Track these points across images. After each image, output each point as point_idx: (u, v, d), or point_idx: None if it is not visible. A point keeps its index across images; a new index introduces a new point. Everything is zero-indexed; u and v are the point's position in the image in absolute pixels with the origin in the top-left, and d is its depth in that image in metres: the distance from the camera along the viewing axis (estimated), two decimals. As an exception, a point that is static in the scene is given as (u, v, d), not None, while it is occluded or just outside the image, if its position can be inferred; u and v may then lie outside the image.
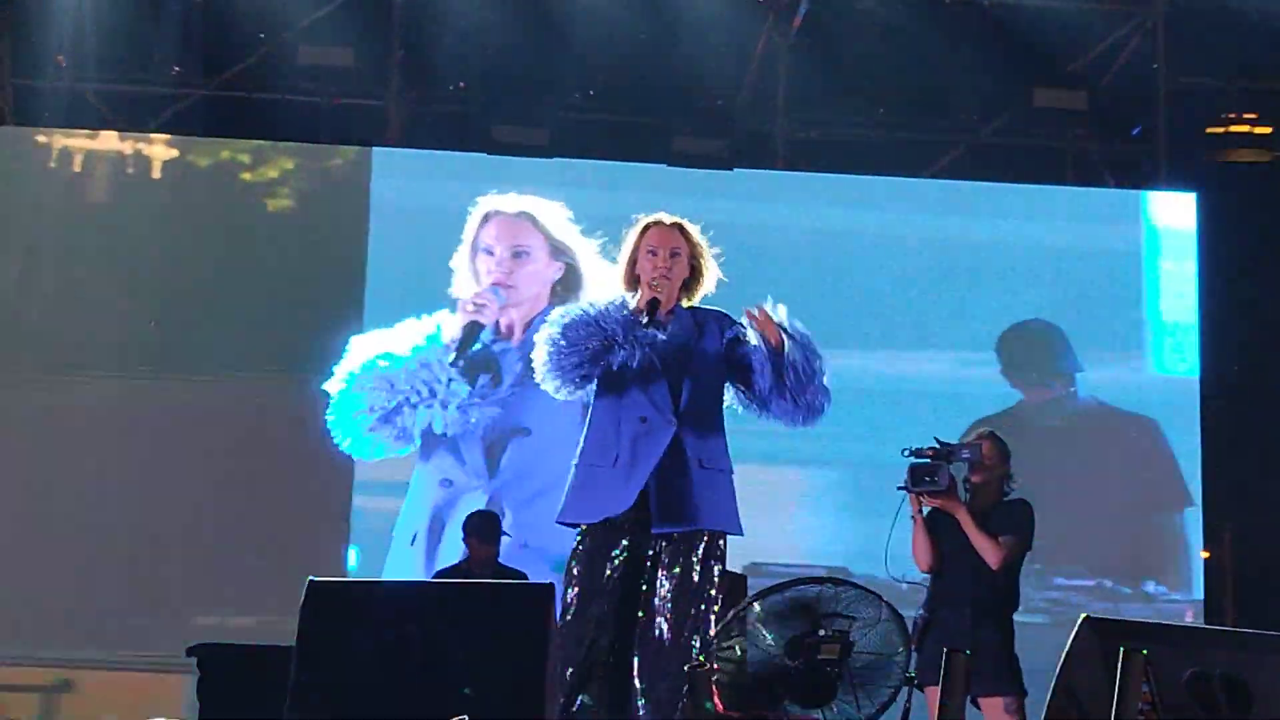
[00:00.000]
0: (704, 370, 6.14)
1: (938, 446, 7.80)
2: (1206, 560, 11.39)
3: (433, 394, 10.15)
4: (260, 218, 11.18)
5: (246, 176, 11.24)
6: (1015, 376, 11.47)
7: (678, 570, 5.99)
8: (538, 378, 6.14)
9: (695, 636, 5.85)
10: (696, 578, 5.99)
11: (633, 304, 6.13)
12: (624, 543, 5.99)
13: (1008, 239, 11.58)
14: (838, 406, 6.10)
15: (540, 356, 6.08)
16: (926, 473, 7.72)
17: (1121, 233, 11.65)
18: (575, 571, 5.97)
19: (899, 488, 7.78)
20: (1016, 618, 7.71)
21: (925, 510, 7.84)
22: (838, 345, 11.03)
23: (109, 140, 11.26)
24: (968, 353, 11.34)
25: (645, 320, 6.06)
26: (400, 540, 10.38)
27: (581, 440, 6.13)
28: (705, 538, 6.04)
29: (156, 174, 11.20)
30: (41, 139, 11.24)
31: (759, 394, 6.15)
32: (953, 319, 11.40)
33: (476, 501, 10.18)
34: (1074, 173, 12.13)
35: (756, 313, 6.13)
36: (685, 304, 6.25)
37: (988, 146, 12.07)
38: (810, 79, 11.69)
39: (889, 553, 7.75)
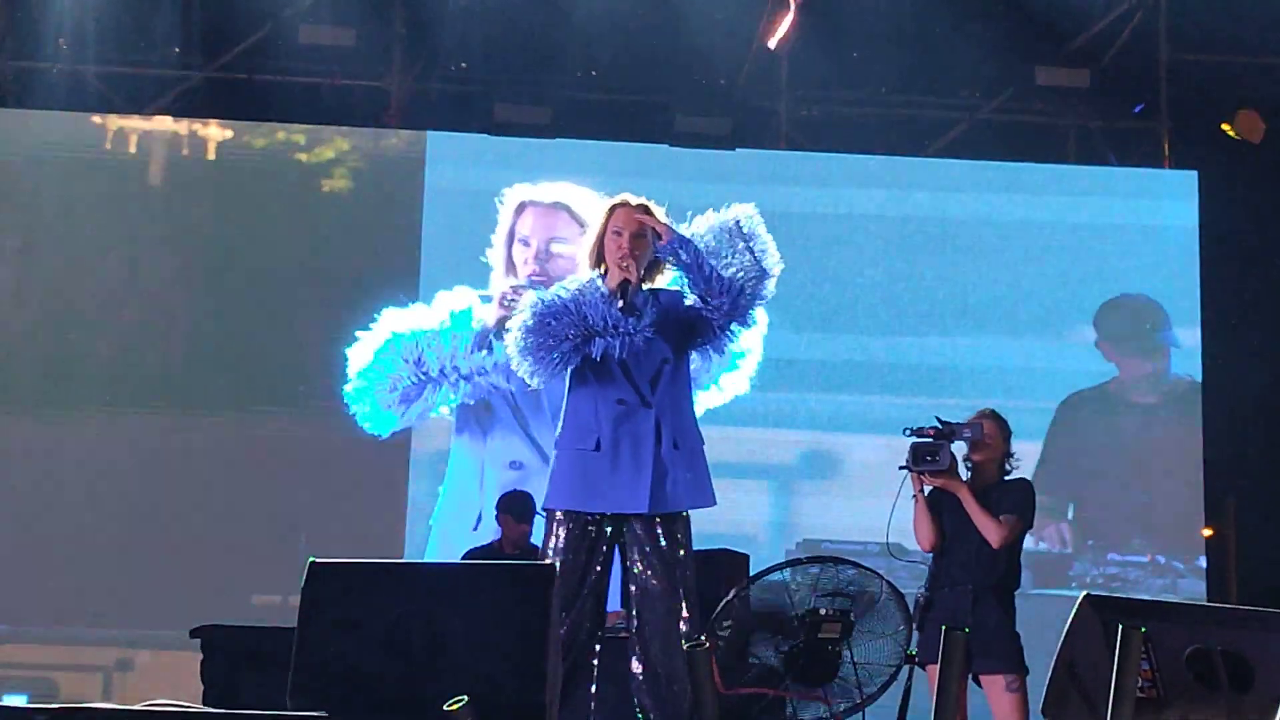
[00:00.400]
0: (673, 351, 6.16)
1: (939, 425, 7.82)
2: (1210, 537, 11.40)
3: (456, 370, 10.09)
4: (316, 199, 11.18)
5: (302, 158, 11.26)
6: (1111, 349, 11.46)
7: (658, 550, 6.02)
8: (514, 365, 6.15)
9: (684, 617, 5.90)
10: (679, 556, 6.04)
11: (604, 286, 6.14)
12: (607, 530, 6.03)
13: (1023, 216, 11.58)
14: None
15: (515, 343, 6.09)
16: (928, 452, 7.73)
17: (1132, 208, 11.67)
18: (559, 561, 6.00)
19: (900, 467, 7.80)
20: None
21: (927, 490, 7.86)
22: (846, 326, 11.23)
23: (164, 123, 11.30)
24: (988, 332, 11.34)
25: (620, 304, 6.06)
26: (460, 524, 10.29)
27: (560, 426, 6.17)
28: (683, 517, 6.09)
29: (212, 155, 11.23)
30: (96, 121, 11.26)
31: (701, 305, 6.12)
32: (963, 297, 11.39)
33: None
34: (1076, 150, 12.13)
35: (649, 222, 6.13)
36: (646, 286, 6.26)
37: (990, 124, 12.06)
38: (812, 58, 11.68)
39: (890, 531, 7.77)
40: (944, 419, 7.86)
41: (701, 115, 11.50)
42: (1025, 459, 7.99)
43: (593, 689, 5.94)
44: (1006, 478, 7.93)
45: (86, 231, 11.07)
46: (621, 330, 6.06)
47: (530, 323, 6.06)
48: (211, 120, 11.29)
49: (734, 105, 11.66)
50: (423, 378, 10.21)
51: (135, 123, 11.24)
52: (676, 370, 6.18)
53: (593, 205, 9.49)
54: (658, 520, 6.05)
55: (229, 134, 11.26)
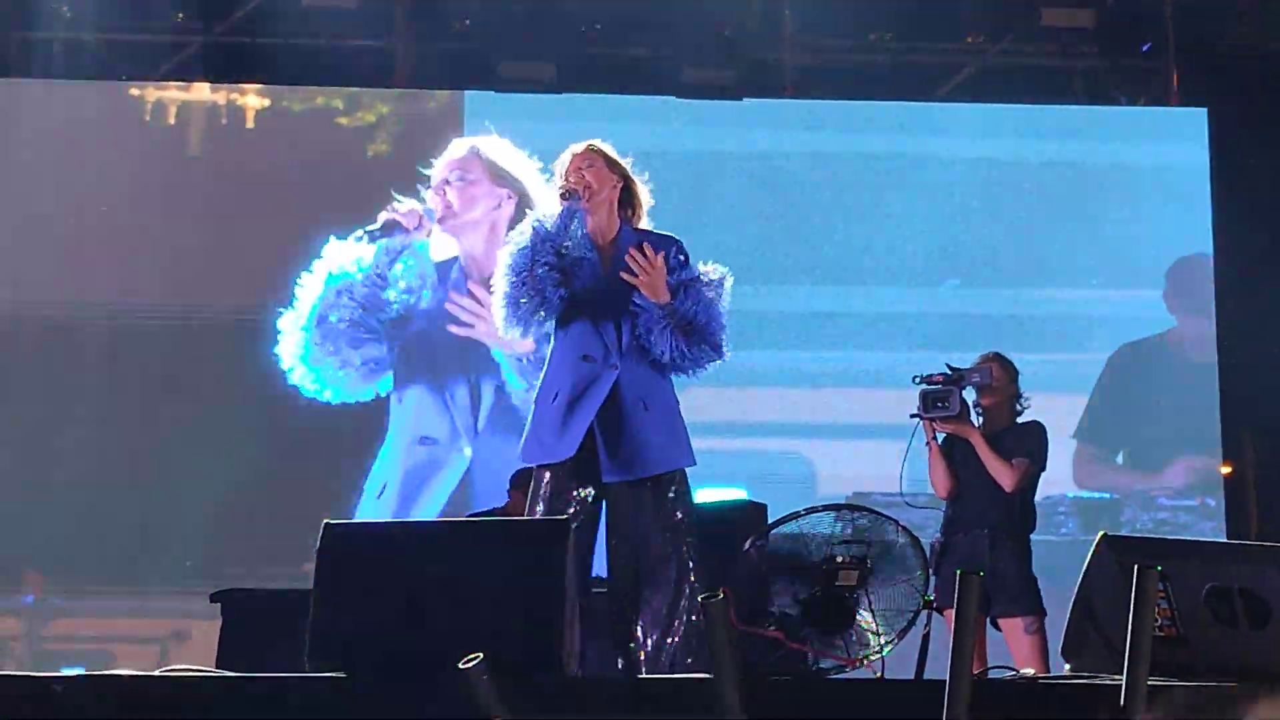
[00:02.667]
0: (647, 301, 6.14)
1: (948, 372, 7.83)
2: (1228, 475, 11.39)
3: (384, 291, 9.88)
4: (358, 164, 11.13)
5: (343, 121, 11.24)
6: (1174, 302, 11.44)
7: (644, 516, 6.02)
8: (503, 332, 6.17)
9: (684, 577, 5.91)
10: (675, 518, 6.04)
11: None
12: (584, 491, 6.04)
13: (1031, 158, 11.55)
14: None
15: (501, 308, 6.12)
16: (938, 398, 7.76)
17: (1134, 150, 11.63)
18: (537, 514, 6.03)
19: (911, 415, 7.81)
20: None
21: (939, 436, 7.87)
22: (857, 276, 11.20)
23: (201, 92, 11.29)
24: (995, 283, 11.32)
25: (570, 201, 6.07)
26: (369, 493, 10.27)
27: (540, 378, 6.22)
28: (675, 478, 6.08)
29: (250, 123, 11.21)
30: (135, 92, 11.24)
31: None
32: (973, 244, 11.35)
33: (459, 464, 10.05)
34: (1084, 91, 12.06)
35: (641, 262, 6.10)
36: (633, 224, 6.28)
37: (997, 67, 12.00)
38: (816, 5, 11.64)
39: (903, 478, 7.79)
40: (953, 365, 7.86)
41: (706, 66, 11.45)
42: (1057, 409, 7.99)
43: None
44: (1018, 420, 7.94)
45: (125, 202, 11.01)
46: (586, 253, 6.09)
47: (510, 282, 6.08)
48: (249, 87, 11.25)
49: (738, 55, 11.60)
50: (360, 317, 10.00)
51: (173, 93, 11.22)
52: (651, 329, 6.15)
53: (506, 153, 9.50)
54: (639, 484, 6.06)
55: (266, 101, 11.24)
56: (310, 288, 9.78)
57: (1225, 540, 10.12)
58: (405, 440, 9.44)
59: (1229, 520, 11.24)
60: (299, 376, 9.71)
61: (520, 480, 9.03)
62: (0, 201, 11.02)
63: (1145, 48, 12.08)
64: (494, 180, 9.69)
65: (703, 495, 10.50)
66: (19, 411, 10.80)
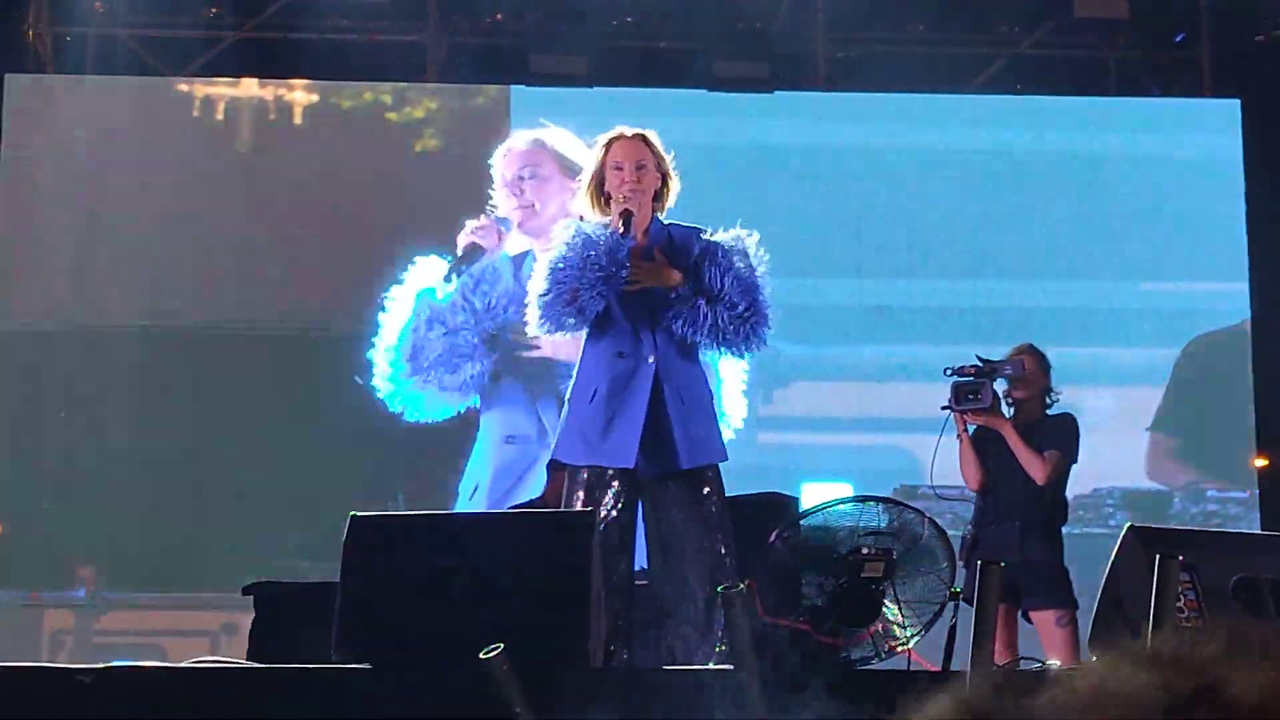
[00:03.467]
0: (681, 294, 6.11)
1: (979, 364, 7.81)
2: (1264, 467, 11.34)
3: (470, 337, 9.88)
4: (408, 159, 11.15)
5: (392, 117, 11.27)
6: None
7: (681, 510, 6.00)
8: (531, 329, 6.14)
9: (717, 570, 5.89)
10: (711, 511, 6.01)
11: (607, 225, 6.12)
12: (622, 484, 6.01)
13: (1064, 149, 11.50)
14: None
15: (536, 310, 6.07)
16: (969, 391, 7.74)
17: (1173, 140, 11.60)
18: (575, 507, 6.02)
19: (942, 407, 7.80)
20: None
21: (971, 429, 7.86)
22: (893, 269, 11.18)
23: (249, 88, 11.32)
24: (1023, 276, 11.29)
25: (622, 231, 6.03)
26: (462, 494, 10.27)
27: (574, 375, 6.18)
28: (705, 473, 6.06)
29: (299, 120, 11.25)
30: (183, 88, 11.30)
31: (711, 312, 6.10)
32: (1012, 235, 11.33)
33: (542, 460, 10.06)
34: (1117, 82, 12.03)
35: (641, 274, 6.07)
36: (661, 218, 6.23)
37: (1029, 59, 11.97)
38: (848, -4, 11.65)
39: (934, 471, 7.78)
40: (984, 357, 7.84)
41: (739, 59, 11.45)
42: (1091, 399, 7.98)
43: (624, 654, 5.93)
44: (1050, 412, 7.92)
45: (173, 199, 11.04)
46: (626, 263, 6.05)
47: (544, 286, 6.03)
48: (296, 83, 11.28)
49: (771, 48, 11.59)
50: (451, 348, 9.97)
51: (221, 89, 11.26)
52: (683, 314, 6.13)
53: (571, 144, 9.41)
54: (679, 476, 6.04)
55: (314, 97, 11.28)
56: (397, 314, 9.76)
57: (1257, 531, 10.08)
58: (493, 440, 9.39)
59: (1263, 513, 11.20)
60: (398, 405, 9.71)
61: (558, 467, 9.02)
62: (51, 198, 11.07)
63: (1179, 39, 12.04)
64: (564, 173, 9.62)
65: (810, 490, 10.58)
66: (72, 412, 10.85)
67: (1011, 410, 7.92)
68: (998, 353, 8.04)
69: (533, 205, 8.96)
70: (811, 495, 10.33)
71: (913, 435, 10.67)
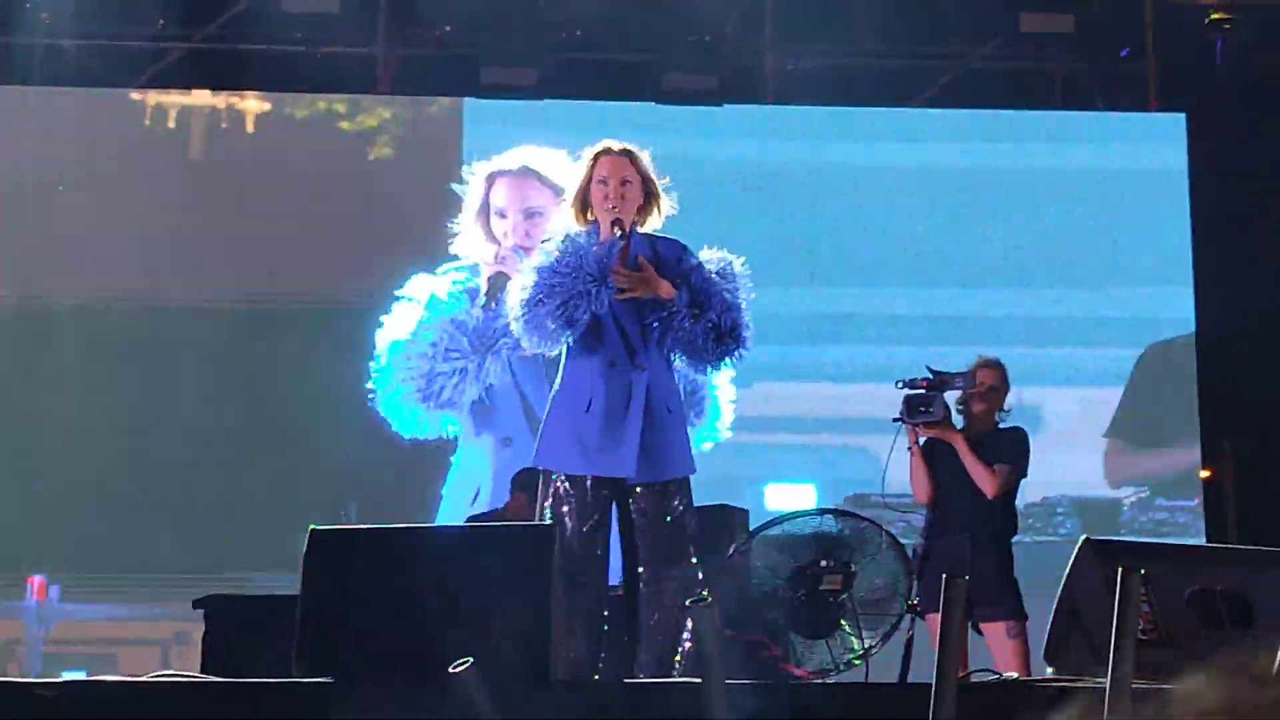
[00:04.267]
0: (660, 306, 6.12)
1: (931, 376, 7.84)
2: (1208, 479, 11.43)
3: (471, 356, 9.85)
4: (362, 167, 11.14)
5: (345, 126, 11.26)
6: None
7: (658, 518, 6.01)
8: (522, 340, 6.14)
9: (686, 579, 5.90)
10: (686, 521, 6.03)
11: (594, 237, 6.13)
12: (605, 492, 6.02)
13: (1012, 163, 11.59)
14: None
15: (521, 316, 6.05)
16: (921, 403, 7.77)
17: (1117, 152, 11.69)
18: (554, 518, 6.01)
19: (894, 419, 7.83)
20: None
21: (922, 440, 7.90)
22: (838, 279, 11.24)
23: (201, 96, 11.29)
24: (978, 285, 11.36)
25: (621, 240, 6.05)
26: (457, 498, 10.26)
27: (557, 382, 6.17)
28: (680, 484, 6.09)
29: (251, 128, 11.22)
30: (135, 97, 11.27)
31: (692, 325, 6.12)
32: (961, 246, 11.40)
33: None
34: (1063, 96, 12.11)
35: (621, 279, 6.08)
36: (641, 229, 6.25)
37: (978, 72, 12.04)
38: (798, 11, 11.66)
39: (886, 481, 7.81)
40: (936, 369, 7.87)
41: (689, 72, 11.49)
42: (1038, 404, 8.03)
43: (601, 655, 5.94)
44: (1001, 426, 7.97)
45: (126, 207, 11.01)
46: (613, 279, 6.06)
47: (531, 294, 6.03)
48: (249, 92, 11.26)
49: (721, 61, 11.63)
50: (440, 372, 9.96)
51: (173, 98, 11.23)
52: (664, 328, 6.14)
53: (560, 167, 9.40)
54: (658, 487, 6.06)
55: (267, 106, 11.26)
56: (401, 331, 9.73)
57: (1207, 543, 10.16)
58: (489, 443, 9.39)
59: (1208, 524, 11.29)
60: (405, 425, 9.74)
61: (525, 481, 9.02)
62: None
63: (1124, 53, 12.13)
64: (555, 198, 9.65)
65: (774, 491, 10.59)
66: (20, 422, 10.80)
67: (963, 422, 7.96)
68: (950, 359, 8.07)
69: (530, 248, 8.97)
70: (775, 496, 10.40)
71: (875, 437, 10.78)
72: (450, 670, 3.93)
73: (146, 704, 4.89)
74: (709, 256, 6.26)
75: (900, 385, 7.86)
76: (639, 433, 6.01)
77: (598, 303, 6.01)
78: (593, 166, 6.23)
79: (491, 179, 10.46)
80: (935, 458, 7.90)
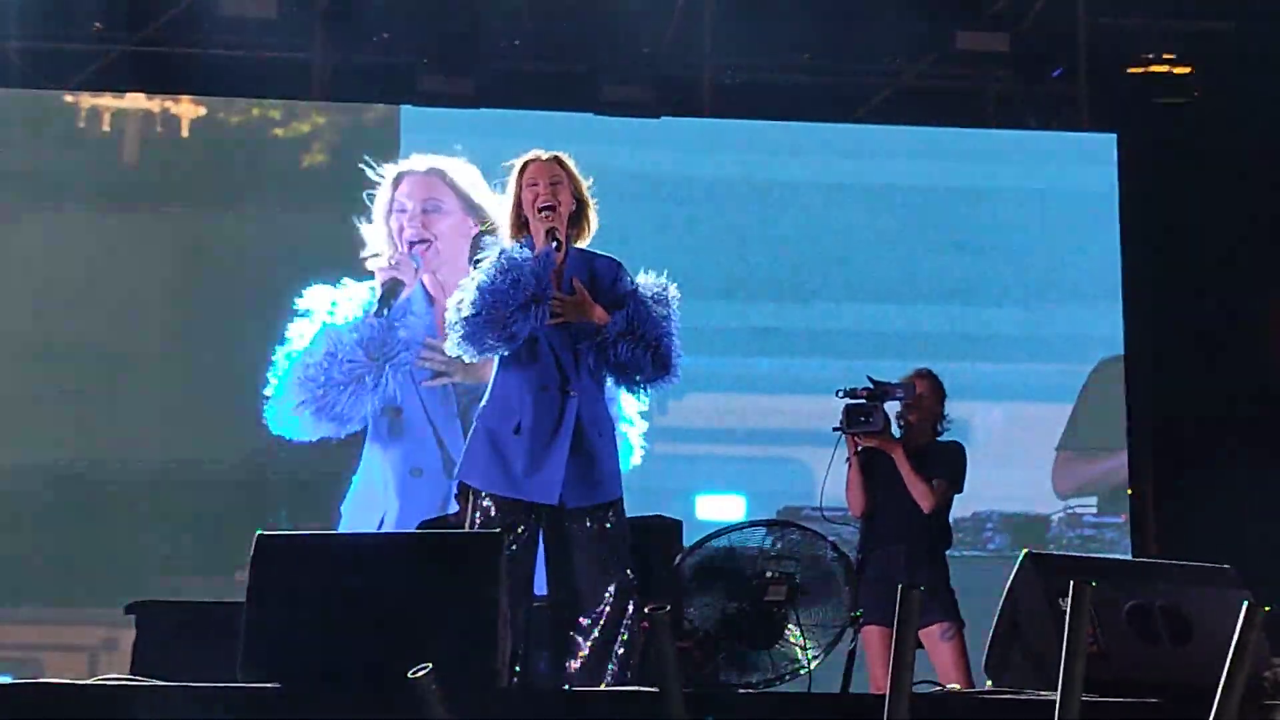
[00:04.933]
0: (593, 327, 6.12)
1: (871, 386, 7.86)
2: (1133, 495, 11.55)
3: (369, 366, 9.80)
4: (294, 174, 11.10)
5: (279, 133, 11.21)
6: None
7: (591, 534, 6.01)
8: (449, 349, 6.11)
9: (626, 594, 5.91)
10: (612, 538, 6.03)
11: (535, 246, 6.12)
12: (534, 514, 6.02)
13: (944, 182, 11.67)
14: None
15: (458, 331, 6.04)
16: (861, 413, 7.80)
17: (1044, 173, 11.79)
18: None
19: (834, 429, 7.85)
20: None
21: (860, 449, 7.91)
22: (765, 294, 11.29)
23: (136, 100, 11.21)
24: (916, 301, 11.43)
25: (557, 250, 6.04)
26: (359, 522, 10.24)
27: (484, 399, 6.16)
28: (613, 505, 6.09)
29: (185, 133, 11.17)
30: (69, 99, 11.21)
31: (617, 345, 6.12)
32: (893, 261, 11.48)
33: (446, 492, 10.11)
34: (996, 114, 12.20)
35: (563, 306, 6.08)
36: (576, 244, 6.23)
37: (912, 89, 12.12)
38: (735, 25, 11.71)
39: (824, 493, 7.83)
40: (875, 378, 7.89)
41: (626, 83, 11.51)
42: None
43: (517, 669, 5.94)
44: (940, 438, 8.01)
45: (59, 210, 10.95)
46: (551, 294, 6.05)
47: (471, 309, 6.01)
48: (184, 96, 11.22)
49: (658, 73, 11.67)
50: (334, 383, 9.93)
51: (107, 100, 11.18)
52: (598, 349, 6.14)
53: (472, 179, 9.38)
54: (588, 508, 6.06)
55: (202, 111, 11.21)
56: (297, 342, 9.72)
57: (1144, 559, 10.25)
58: (398, 472, 9.32)
59: (1133, 539, 11.40)
60: (282, 428, 9.69)
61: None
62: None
63: (1056, 73, 12.23)
64: (465, 209, 9.58)
65: (704, 502, 10.59)
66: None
67: (901, 433, 7.99)
68: (881, 372, 8.10)
69: (434, 239, 8.88)
70: (705, 507, 10.42)
71: (804, 449, 10.82)
72: (409, 676, 3.94)
73: (90, 706, 4.87)
74: (645, 281, 6.26)
75: (840, 394, 7.88)
76: (564, 460, 6.01)
77: (537, 319, 6.00)
78: (521, 174, 6.23)
79: (399, 179, 10.44)
80: (871, 469, 7.94)
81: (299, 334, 8.94)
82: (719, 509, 10.59)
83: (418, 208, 9.21)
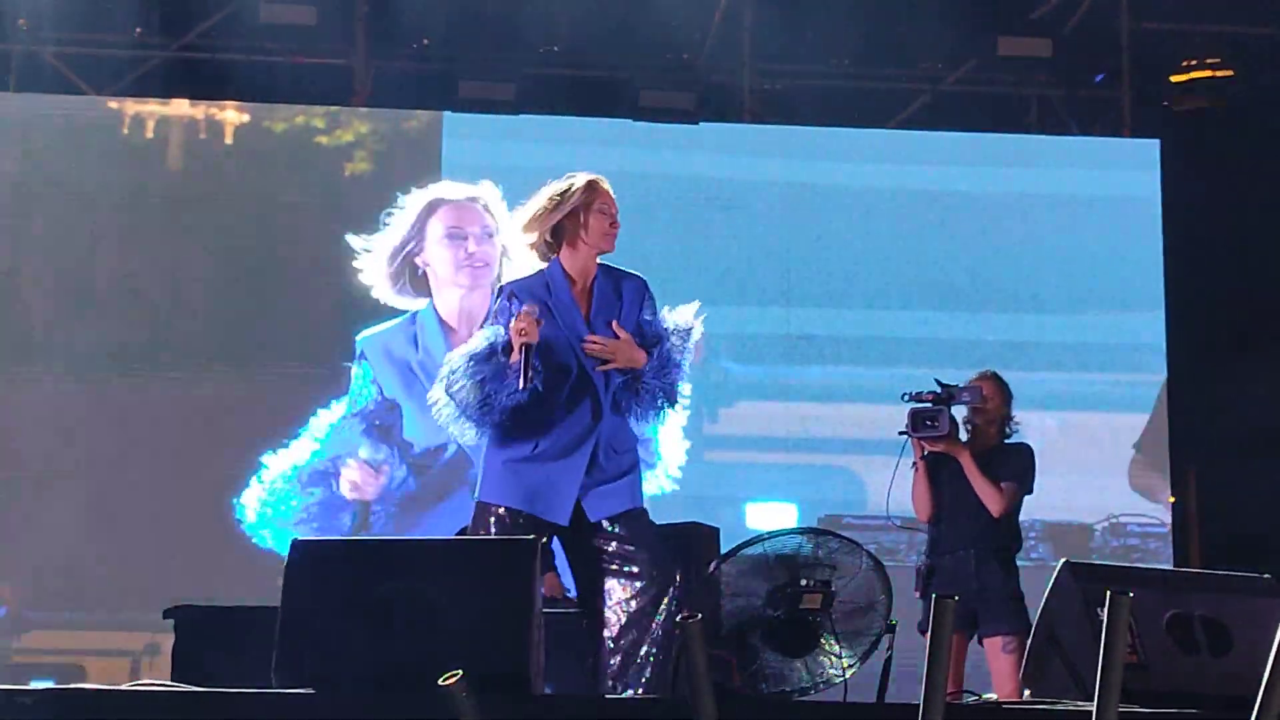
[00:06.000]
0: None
1: (938, 390, 7.78)
2: (1174, 504, 11.48)
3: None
4: (338, 181, 11.13)
5: (323, 140, 11.23)
6: None
7: (611, 550, 5.98)
8: (452, 429, 6.06)
9: (655, 604, 5.89)
10: (642, 553, 5.99)
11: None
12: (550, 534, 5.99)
13: (985, 188, 11.63)
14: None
15: (451, 412, 5.97)
16: (927, 417, 7.72)
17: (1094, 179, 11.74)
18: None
19: (900, 433, 7.77)
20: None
21: (926, 454, 7.83)
22: (808, 300, 11.26)
23: (180, 106, 11.25)
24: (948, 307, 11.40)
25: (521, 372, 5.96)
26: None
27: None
28: (638, 513, 6.06)
29: (230, 139, 11.20)
30: (113, 105, 11.24)
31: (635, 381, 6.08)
32: (926, 270, 11.44)
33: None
34: (1038, 120, 12.15)
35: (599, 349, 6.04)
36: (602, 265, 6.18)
37: (953, 95, 12.08)
38: (775, 30, 11.71)
39: (891, 497, 7.74)
40: (943, 382, 7.82)
41: (665, 89, 11.52)
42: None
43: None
44: (1007, 441, 7.93)
45: (102, 216, 10.99)
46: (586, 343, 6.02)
47: (463, 380, 5.94)
48: (228, 103, 11.24)
49: (697, 79, 11.68)
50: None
51: (151, 107, 11.21)
52: (624, 373, 6.10)
53: (498, 201, 9.39)
54: (610, 523, 6.02)
55: (246, 118, 11.24)
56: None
57: (1185, 569, 10.18)
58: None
59: (1175, 548, 11.34)
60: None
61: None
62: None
63: (1099, 78, 12.18)
64: (494, 235, 9.65)
65: (754, 510, 10.61)
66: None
67: (968, 436, 7.91)
68: (922, 380, 8.05)
69: (489, 264, 8.97)
70: (755, 515, 10.40)
71: (852, 457, 10.81)
72: (439, 683, 3.92)
73: (128, 712, 4.87)
74: (676, 318, 6.20)
75: (906, 398, 7.80)
76: (577, 486, 5.98)
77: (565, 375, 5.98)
78: (591, 194, 6.12)
79: (434, 206, 10.48)
80: (937, 474, 7.85)
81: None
82: (769, 517, 10.57)
83: (478, 232, 9.30)
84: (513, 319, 5.90)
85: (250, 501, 10.28)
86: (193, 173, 11.23)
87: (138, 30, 11.49)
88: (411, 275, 10.44)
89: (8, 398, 10.78)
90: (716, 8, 11.65)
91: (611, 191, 6.13)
